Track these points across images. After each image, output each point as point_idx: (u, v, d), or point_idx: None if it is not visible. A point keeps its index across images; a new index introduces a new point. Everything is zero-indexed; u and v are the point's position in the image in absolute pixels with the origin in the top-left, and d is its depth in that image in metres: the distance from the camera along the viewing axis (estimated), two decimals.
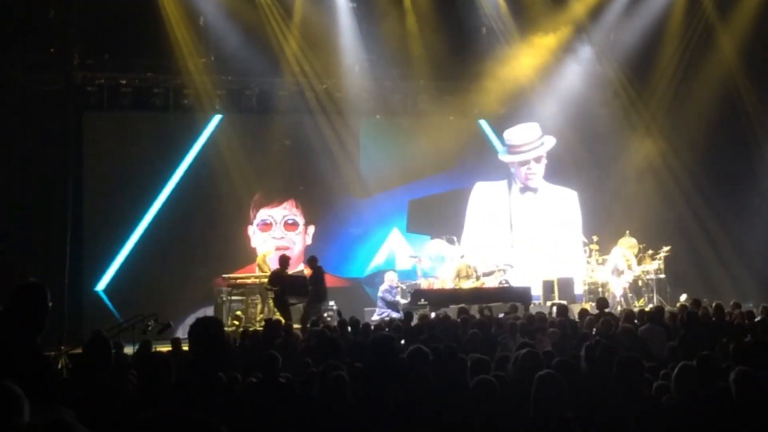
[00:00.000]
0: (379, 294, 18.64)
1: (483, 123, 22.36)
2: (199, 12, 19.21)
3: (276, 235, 20.78)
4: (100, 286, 19.08)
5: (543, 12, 20.43)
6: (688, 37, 20.90)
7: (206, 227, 19.83)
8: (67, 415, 2.71)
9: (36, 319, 4.54)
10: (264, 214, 20.82)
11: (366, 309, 18.56)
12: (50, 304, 4.66)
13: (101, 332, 6.56)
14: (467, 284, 18.71)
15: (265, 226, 20.78)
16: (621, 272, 18.99)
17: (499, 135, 22.17)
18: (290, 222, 21.00)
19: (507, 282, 19.15)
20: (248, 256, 20.11)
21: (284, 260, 16.51)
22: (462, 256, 19.33)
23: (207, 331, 4.77)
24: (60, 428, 2.54)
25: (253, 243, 20.49)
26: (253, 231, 20.64)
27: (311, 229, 20.99)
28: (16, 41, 17.52)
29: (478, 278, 19.01)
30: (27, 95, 17.95)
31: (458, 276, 18.93)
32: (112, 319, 16.14)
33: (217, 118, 20.23)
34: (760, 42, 19.97)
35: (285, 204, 20.99)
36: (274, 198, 20.92)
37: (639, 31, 20.64)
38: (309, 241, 20.87)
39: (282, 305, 15.81)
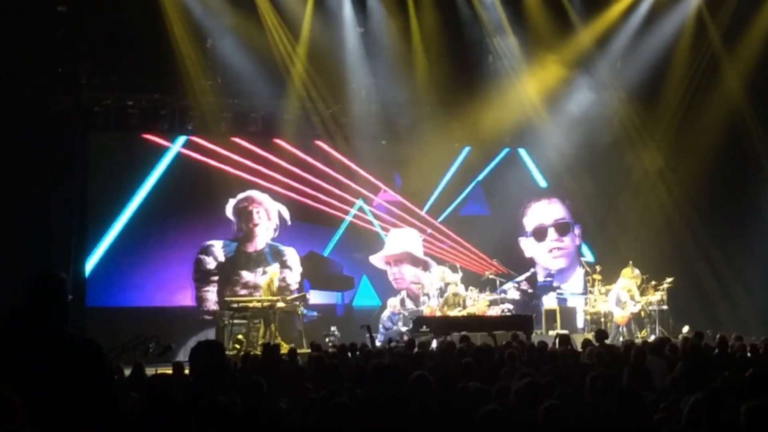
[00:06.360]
0: (382, 319, 18.64)
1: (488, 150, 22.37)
2: (207, 34, 19.29)
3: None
4: None
5: (550, 40, 20.44)
6: (695, 68, 20.89)
7: None
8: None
9: (59, 311, 4.05)
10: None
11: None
12: (70, 297, 4.22)
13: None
14: (453, 313, 18.68)
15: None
16: (624, 303, 18.90)
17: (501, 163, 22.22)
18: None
19: (510, 311, 19.11)
20: None
21: None
22: (456, 284, 19.31)
23: (208, 354, 4.76)
24: None
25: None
26: None
27: None
28: (23, 60, 17.56)
29: (465, 307, 18.95)
30: (34, 114, 18.00)
31: (446, 304, 18.94)
32: (115, 340, 16.05)
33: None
34: (766, 73, 20.00)
35: None
36: None
37: (645, 61, 20.65)
38: None
39: None
